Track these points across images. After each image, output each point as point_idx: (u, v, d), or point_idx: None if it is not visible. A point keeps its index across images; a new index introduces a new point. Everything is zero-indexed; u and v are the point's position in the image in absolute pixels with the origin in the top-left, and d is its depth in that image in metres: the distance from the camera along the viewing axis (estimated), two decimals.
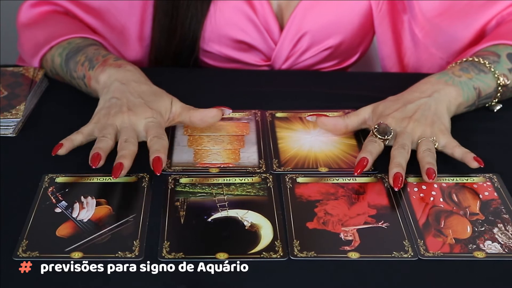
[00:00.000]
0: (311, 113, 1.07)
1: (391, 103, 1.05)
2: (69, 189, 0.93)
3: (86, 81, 1.12)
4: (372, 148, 0.98)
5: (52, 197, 0.92)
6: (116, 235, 0.86)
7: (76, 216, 0.89)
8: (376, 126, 1.00)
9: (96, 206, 0.90)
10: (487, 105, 1.13)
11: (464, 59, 1.12)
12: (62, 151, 0.97)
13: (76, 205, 0.90)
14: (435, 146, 0.98)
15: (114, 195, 0.93)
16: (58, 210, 0.90)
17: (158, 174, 0.94)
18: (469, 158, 0.97)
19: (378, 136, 0.99)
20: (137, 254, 0.83)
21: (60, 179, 0.95)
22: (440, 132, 1.00)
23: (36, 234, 0.86)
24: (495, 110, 1.13)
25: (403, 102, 1.04)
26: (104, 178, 0.95)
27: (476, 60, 1.11)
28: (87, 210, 0.90)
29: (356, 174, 0.95)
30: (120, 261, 0.82)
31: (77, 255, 0.83)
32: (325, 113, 1.06)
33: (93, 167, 0.94)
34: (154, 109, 1.02)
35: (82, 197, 0.92)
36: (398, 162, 0.94)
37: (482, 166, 0.96)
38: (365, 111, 1.05)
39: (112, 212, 0.90)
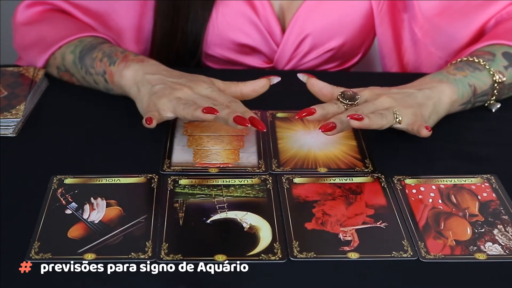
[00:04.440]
0: (303, 72, 1.08)
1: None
2: (78, 191, 0.93)
3: (108, 76, 1.12)
4: (327, 106, 0.99)
5: (61, 199, 0.92)
6: (128, 236, 0.86)
7: (87, 218, 0.88)
8: (343, 92, 1.00)
9: (106, 207, 0.90)
10: (485, 104, 1.13)
11: (459, 59, 1.13)
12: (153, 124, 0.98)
13: (86, 207, 0.90)
14: (397, 121, 0.98)
15: (123, 196, 0.92)
16: (68, 211, 0.90)
17: (265, 130, 0.97)
18: (421, 128, 0.97)
19: (341, 100, 0.99)
20: (150, 255, 0.83)
21: (68, 180, 0.95)
22: (411, 113, 0.99)
23: (48, 235, 0.85)
24: (494, 110, 1.13)
25: (389, 88, 1.04)
26: (113, 179, 0.95)
27: (471, 59, 1.12)
28: (97, 211, 0.89)
29: (296, 117, 0.98)
30: (134, 262, 0.82)
31: (90, 256, 0.82)
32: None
33: (216, 112, 0.95)
34: (204, 80, 1.03)
35: (92, 198, 0.91)
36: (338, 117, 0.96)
37: (429, 131, 0.97)
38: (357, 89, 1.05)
39: (123, 213, 0.89)
